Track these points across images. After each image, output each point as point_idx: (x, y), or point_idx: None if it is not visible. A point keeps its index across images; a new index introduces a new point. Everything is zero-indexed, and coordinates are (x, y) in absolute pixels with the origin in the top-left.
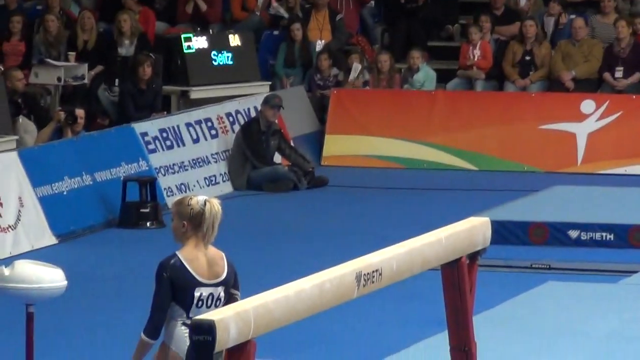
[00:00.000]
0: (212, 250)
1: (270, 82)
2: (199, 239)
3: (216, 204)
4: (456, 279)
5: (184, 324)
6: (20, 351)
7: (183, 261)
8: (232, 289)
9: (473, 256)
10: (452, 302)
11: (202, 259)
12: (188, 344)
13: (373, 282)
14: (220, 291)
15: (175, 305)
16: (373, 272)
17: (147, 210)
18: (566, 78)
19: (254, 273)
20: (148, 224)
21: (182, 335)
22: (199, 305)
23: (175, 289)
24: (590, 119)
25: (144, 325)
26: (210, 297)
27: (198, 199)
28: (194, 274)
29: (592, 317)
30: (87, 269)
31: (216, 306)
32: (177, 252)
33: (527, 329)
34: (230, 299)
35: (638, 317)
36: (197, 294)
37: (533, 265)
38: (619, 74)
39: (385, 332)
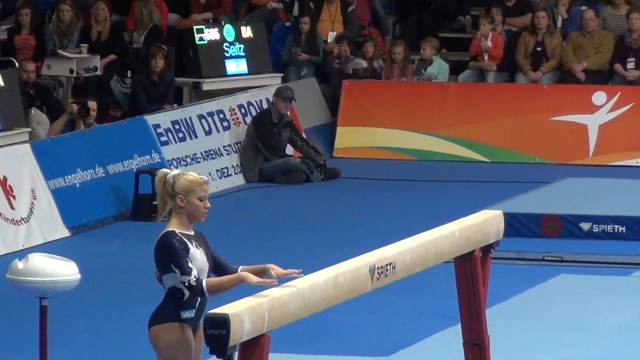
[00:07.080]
0: None
1: (282, 74)
2: None
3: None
4: (469, 272)
5: None
6: (34, 344)
7: None
8: None
9: (486, 249)
10: (465, 296)
11: None
12: None
13: (387, 275)
14: None
15: None
16: (387, 265)
17: None
18: (577, 69)
19: None
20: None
21: None
22: None
23: None
24: (601, 110)
25: None
26: None
27: None
28: None
29: (605, 309)
30: (100, 261)
31: None
32: None
33: (540, 322)
34: None
35: None
36: None
37: (545, 258)
38: (630, 65)
39: (399, 325)
